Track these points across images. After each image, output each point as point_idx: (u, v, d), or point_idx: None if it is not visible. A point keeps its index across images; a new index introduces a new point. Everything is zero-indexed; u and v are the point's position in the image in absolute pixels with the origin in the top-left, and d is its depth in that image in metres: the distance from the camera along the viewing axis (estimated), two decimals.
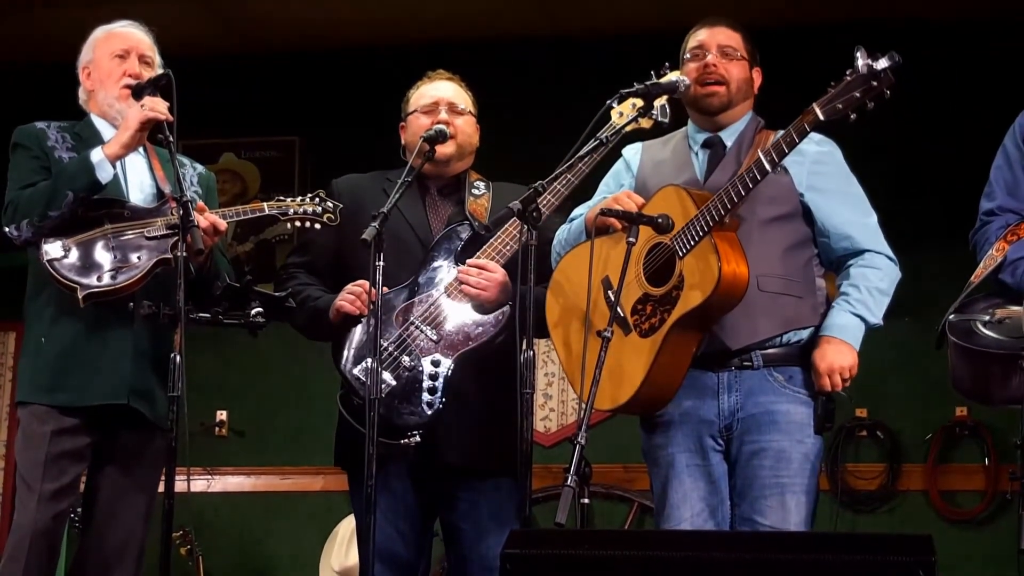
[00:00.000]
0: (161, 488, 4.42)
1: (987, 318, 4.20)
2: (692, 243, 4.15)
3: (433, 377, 4.55)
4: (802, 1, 7.79)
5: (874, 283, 4.34)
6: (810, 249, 4.38)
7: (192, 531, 7.59)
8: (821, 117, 4.03)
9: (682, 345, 4.19)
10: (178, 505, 4.27)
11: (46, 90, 5.49)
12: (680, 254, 4.18)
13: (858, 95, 3.97)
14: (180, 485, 4.28)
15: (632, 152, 4.63)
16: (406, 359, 4.55)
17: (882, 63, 3.94)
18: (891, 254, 4.40)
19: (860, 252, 4.37)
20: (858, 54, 3.97)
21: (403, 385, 4.54)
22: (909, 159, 7.71)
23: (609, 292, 4.29)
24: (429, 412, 4.52)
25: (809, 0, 7.79)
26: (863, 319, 4.30)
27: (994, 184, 4.53)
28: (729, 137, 4.45)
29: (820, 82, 4.07)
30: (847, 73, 3.99)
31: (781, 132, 4.17)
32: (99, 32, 4.83)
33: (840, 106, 4.00)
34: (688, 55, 4.46)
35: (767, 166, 4.11)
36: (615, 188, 4.54)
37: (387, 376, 4.50)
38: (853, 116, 3.99)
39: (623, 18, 8.03)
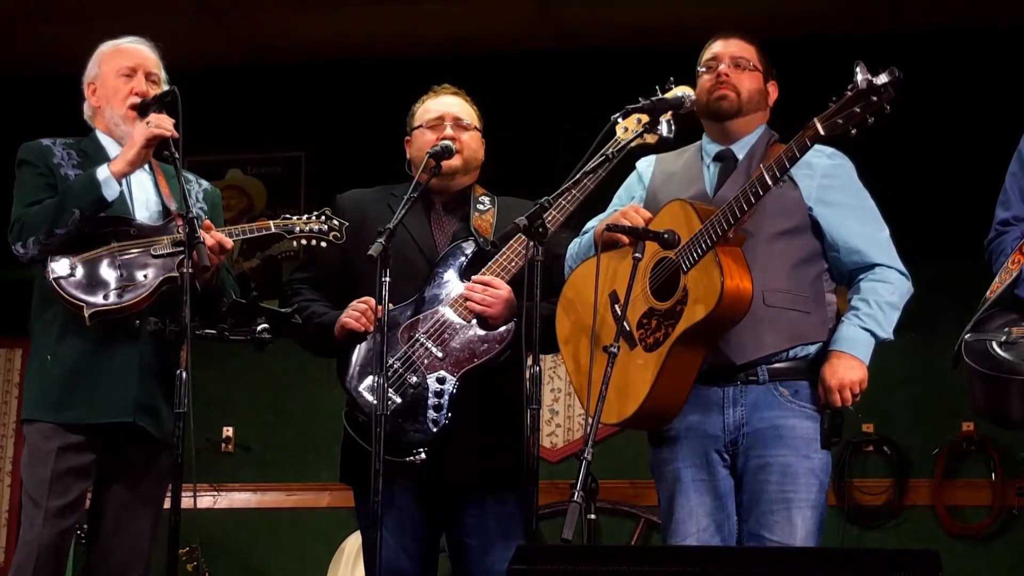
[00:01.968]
0: (167, 504, 4.42)
1: (1003, 338, 4.19)
2: (696, 258, 4.15)
3: (438, 394, 4.54)
4: (817, 13, 7.80)
5: (884, 297, 4.32)
6: (820, 263, 4.38)
7: (198, 547, 7.58)
8: (822, 132, 4.02)
9: (687, 359, 4.19)
10: (184, 521, 4.27)
11: (52, 104, 5.50)
12: (684, 268, 4.18)
13: (858, 110, 3.96)
14: (186, 501, 4.27)
15: (645, 164, 4.64)
16: (411, 376, 4.55)
17: (882, 78, 3.93)
18: (903, 268, 4.38)
19: (871, 266, 4.36)
20: (857, 69, 3.96)
21: (408, 402, 4.53)
22: (912, 172, 7.70)
23: (616, 306, 4.29)
24: (434, 429, 4.52)
25: (824, 12, 7.80)
26: (873, 333, 4.29)
27: (1009, 192, 4.53)
28: (741, 150, 4.46)
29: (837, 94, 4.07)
30: (848, 88, 3.99)
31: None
32: (105, 47, 4.82)
33: (840, 121, 3.99)
34: (703, 68, 4.47)
35: (768, 181, 4.11)
36: (627, 201, 4.55)
37: (392, 393, 4.50)
38: (854, 131, 3.98)
39: (629, 32, 8.04)
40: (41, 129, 4.84)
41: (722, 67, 4.43)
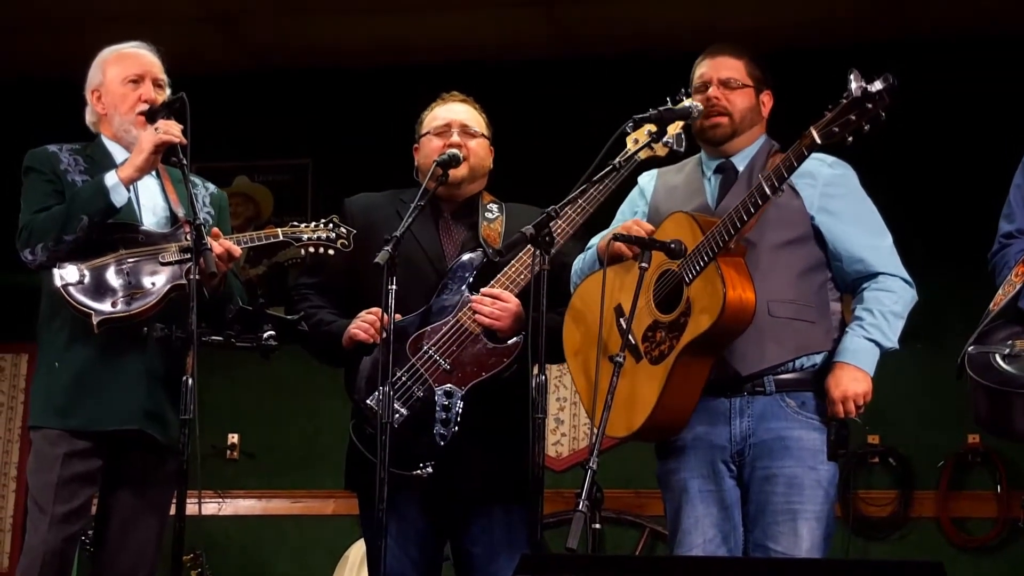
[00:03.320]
0: (172, 511, 4.42)
1: (1006, 351, 4.19)
2: (698, 269, 4.15)
3: (446, 408, 4.53)
4: (821, 22, 7.80)
5: (888, 306, 4.32)
6: (824, 273, 4.37)
7: (203, 554, 7.59)
8: (818, 141, 4.02)
9: (692, 371, 4.19)
10: (189, 528, 4.27)
11: (58, 110, 5.49)
12: (687, 280, 4.18)
13: (854, 118, 3.95)
14: (191, 508, 4.28)
15: (647, 179, 4.64)
16: (418, 389, 4.54)
17: (876, 85, 3.92)
18: (907, 276, 4.38)
19: (874, 275, 4.36)
20: (851, 77, 3.95)
21: (416, 415, 4.53)
22: (920, 183, 7.70)
23: (621, 320, 4.30)
24: (442, 443, 4.51)
25: (828, 21, 7.79)
26: (877, 344, 4.29)
27: (1013, 204, 4.53)
28: (741, 162, 4.46)
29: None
30: (843, 96, 3.98)
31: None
32: (107, 54, 4.80)
33: (836, 129, 3.98)
34: (694, 87, 4.47)
35: (767, 191, 4.11)
36: (630, 215, 4.55)
37: (399, 406, 4.50)
38: (850, 139, 3.98)
39: (638, 41, 8.04)
40: (47, 135, 4.82)
41: (711, 90, 4.43)
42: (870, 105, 3.93)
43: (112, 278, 4.50)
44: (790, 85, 4.64)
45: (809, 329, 4.28)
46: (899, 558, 7.34)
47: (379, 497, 4.19)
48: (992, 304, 4.33)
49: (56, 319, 4.59)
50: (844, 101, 3.97)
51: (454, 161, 4.66)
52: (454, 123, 4.80)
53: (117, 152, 4.72)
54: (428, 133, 4.83)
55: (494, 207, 4.85)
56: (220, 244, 4.52)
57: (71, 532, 4.48)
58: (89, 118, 4.84)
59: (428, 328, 4.61)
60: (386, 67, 8.43)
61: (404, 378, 4.55)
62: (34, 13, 7.94)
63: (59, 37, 8.04)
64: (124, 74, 4.73)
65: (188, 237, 4.50)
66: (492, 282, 4.61)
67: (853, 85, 3.94)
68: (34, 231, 4.53)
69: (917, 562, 3.43)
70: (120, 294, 4.49)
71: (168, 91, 4.74)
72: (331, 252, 4.72)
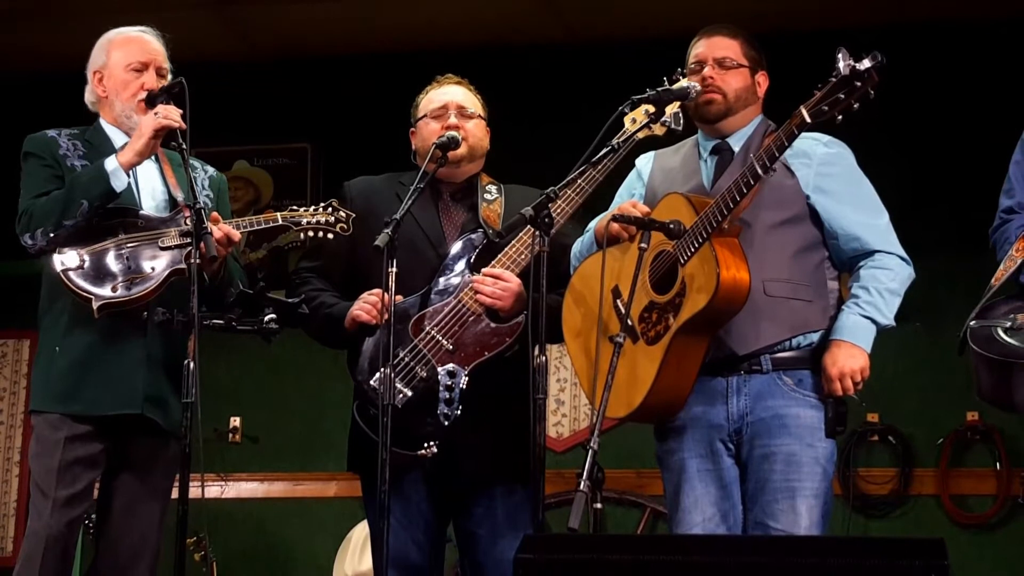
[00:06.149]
0: (175, 494, 4.43)
1: (1008, 324, 4.21)
2: (692, 250, 4.16)
3: (449, 388, 4.55)
4: (821, 6, 7.78)
5: (884, 284, 4.32)
6: (820, 252, 4.38)
7: (206, 537, 7.59)
8: (808, 120, 4.01)
9: (688, 351, 4.20)
10: (192, 511, 4.28)
11: (56, 101, 5.49)
12: (682, 261, 4.19)
13: (843, 96, 3.95)
14: (194, 491, 4.28)
15: (644, 161, 4.65)
16: (421, 369, 4.56)
17: (865, 64, 3.91)
18: (903, 254, 4.38)
19: (870, 253, 4.36)
20: (839, 55, 3.95)
21: (419, 395, 4.54)
22: (921, 164, 7.69)
23: (618, 301, 4.31)
24: (446, 423, 4.53)
25: (828, 5, 7.78)
26: (873, 321, 4.29)
27: (1013, 180, 4.54)
28: (737, 142, 4.46)
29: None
30: (832, 75, 3.98)
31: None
32: (113, 35, 4.79)
33: (826, 108, 3.98)
34: (689, 67, 4.47)
35: (759, 171, 4.12)
36: (628, 198, 4.55)
37: (402, 386, 4.51)
38: (840, 118, 3.98)
39: (637, 25, 8.02)
40: (42, 123, 4.82)
41: (706, 70, 4.43)
42: (859, 83, 3.92)
43: (112, 263, 4.51)
44: (793, 68, 4.63)
45: (805, 308, 4.29)
46: (900, 535, 7.36)
47: (381, 478, 4.20)
48: (993, 279, 4.35)
49: (56, 304, 4.60)
50: (833, 80, 3.96)
51: (453, 143, 4.66)
52: (451, 105, 4.80)
53: (116, 136, 4.72)
54: (425, 116, 4.83)
55: (493, 188, 4.85)
56: (219, 229, 4.52)
57: (74, 516, 4.49)
58: (88, 97, 4.82)
59: (430, 308, 4.62)
60: (385, 51, 8.42)
61: (407, 359, 4.57)
62: (31, 2, 7.92)
63: (55, 23, 8.01)
64: (128, 60, 4.72)
65: (187, 222, 4.50)
66: (493, 262, 4.62)
67: (841, 64, 3.94)
68: (34, 216, 4.53)
69: (918, 539, 3.44)
70: (120, 279, 4.49)
71: (170, 79, 4.74)
72: (330, 236, 4.73)
